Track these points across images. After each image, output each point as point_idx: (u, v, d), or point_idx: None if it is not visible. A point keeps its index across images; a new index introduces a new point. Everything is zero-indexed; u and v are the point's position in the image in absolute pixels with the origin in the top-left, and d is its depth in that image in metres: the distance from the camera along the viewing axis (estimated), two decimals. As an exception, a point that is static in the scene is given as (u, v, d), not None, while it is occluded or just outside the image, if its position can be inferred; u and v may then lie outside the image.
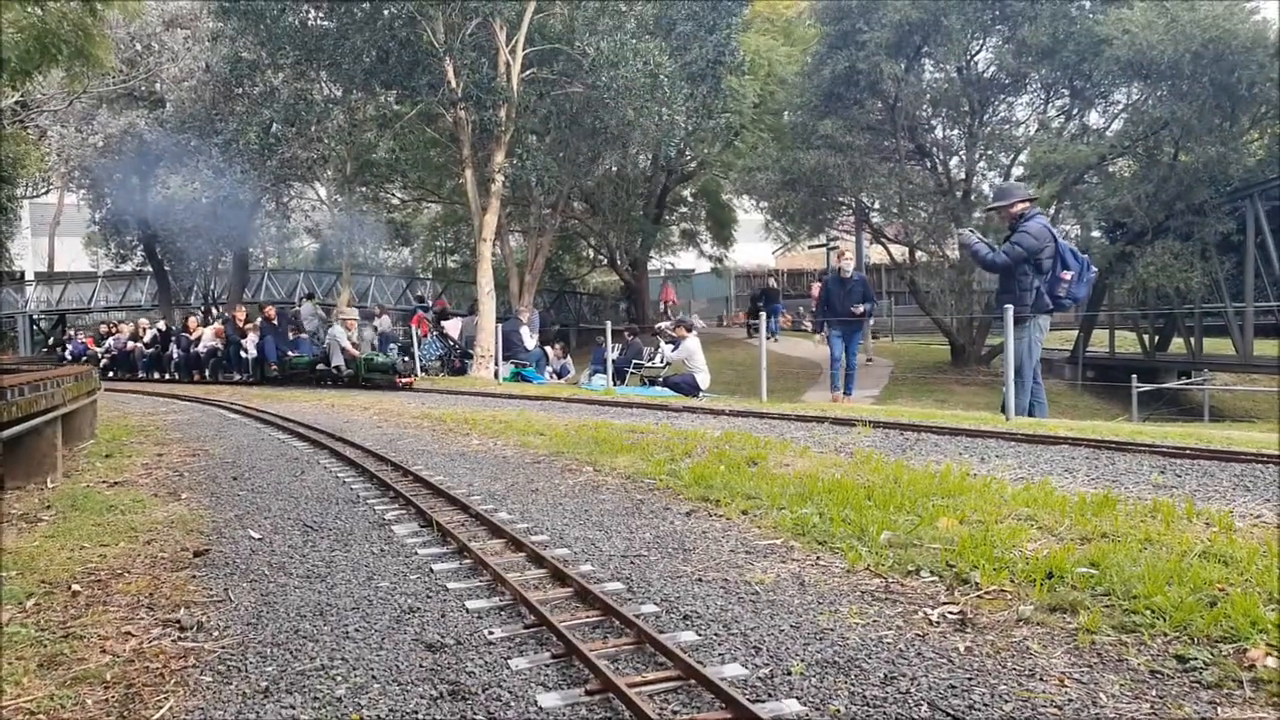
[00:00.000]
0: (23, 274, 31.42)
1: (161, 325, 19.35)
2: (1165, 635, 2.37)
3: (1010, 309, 7.23)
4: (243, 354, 16.30)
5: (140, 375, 19.39)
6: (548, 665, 2.44)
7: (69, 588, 3.14)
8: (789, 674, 2.32)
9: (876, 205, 19.02)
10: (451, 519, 4.10)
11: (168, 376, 18.69)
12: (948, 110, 17.73)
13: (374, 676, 2.39)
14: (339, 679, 2.37)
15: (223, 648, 2.59)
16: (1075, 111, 17.75)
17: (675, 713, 2.13)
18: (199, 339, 17.98)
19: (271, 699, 2.25)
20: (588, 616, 2.78)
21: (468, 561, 3.45)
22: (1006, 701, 2.10)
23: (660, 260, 31.42)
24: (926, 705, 2.10)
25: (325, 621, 2.84)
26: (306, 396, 11.92)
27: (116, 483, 5.29)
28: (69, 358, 21.27)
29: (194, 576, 3.32)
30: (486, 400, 10.34)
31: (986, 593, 2.81)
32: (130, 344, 19.77)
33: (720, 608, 2.87)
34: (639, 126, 15.59)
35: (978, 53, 17.63)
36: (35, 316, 29.90)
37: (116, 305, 29.26)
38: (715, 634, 2.64)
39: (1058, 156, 15.55)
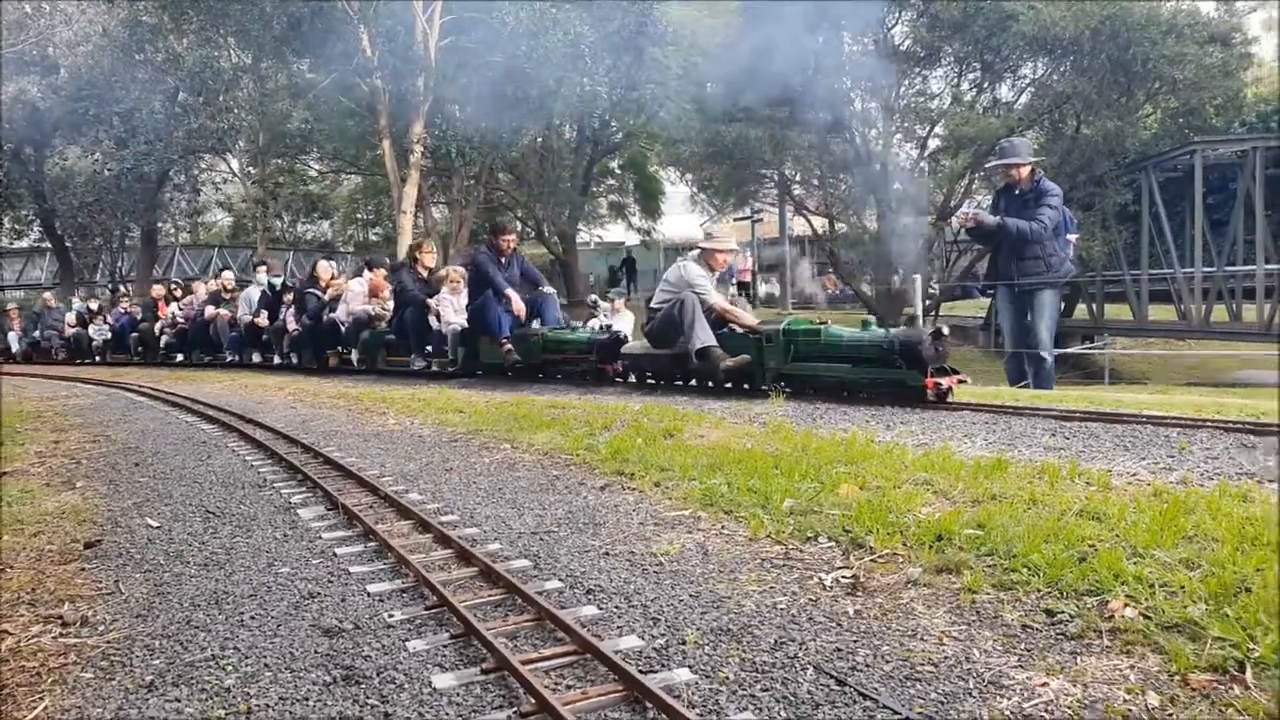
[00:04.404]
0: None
1: (271, 278, 13.06)
2: (1039, 591, 2.49)
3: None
4: (434, 323, 9.77)
5: (230, 358, 13.33)
6: (446, 646, 2.44)
7: (-55, 585, 3.00)
8: (684, 643, 2.37)
9: (798, 177, 19.26)
10: (359, 501, 4.05)
11: (277, 360, 12.34)
12: (865, 83, 17.99)
13: (266, 664, 2.35)
14: (229, 669, 2.33)
15: (107, 643, 2.52)
16: (986, 85, 18.22)
17: (569, 686, 2.16)
18: (337, 298, 11.28)
19: (156, 693, 2.20)
20: (490, 595, 2.79)
21: (373, 544, 3.41)
22: (888, 662, 2.19)
23: (589, 232, 31.28)
24: (812, 669, 2.17)
25: (220, 610, 2.78)
26: (224, 378, 11.53)
27: (4, 473, 5.05)
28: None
29: (82, 569, 3.21)
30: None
31: (879, 556, 2.91)
32: (211, 310, 13.75)
33: (624, 580, 2.90)
34: (561, 97, 15.44)
35: (894, 26, 17.91)
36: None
37: (13, 284, 27.81)
38: (616, 607, 2.67)
39: (970, 129, 15.97)
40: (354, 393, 8.42)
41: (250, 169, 22.47)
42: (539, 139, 20.63)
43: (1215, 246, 16.24)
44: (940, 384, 5.54)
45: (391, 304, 10.51)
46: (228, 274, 15.23)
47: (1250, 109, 20.72)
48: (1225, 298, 16.40)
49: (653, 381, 7.44)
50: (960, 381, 5.73)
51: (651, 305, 7.23)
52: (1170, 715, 1.85)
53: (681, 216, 32.12)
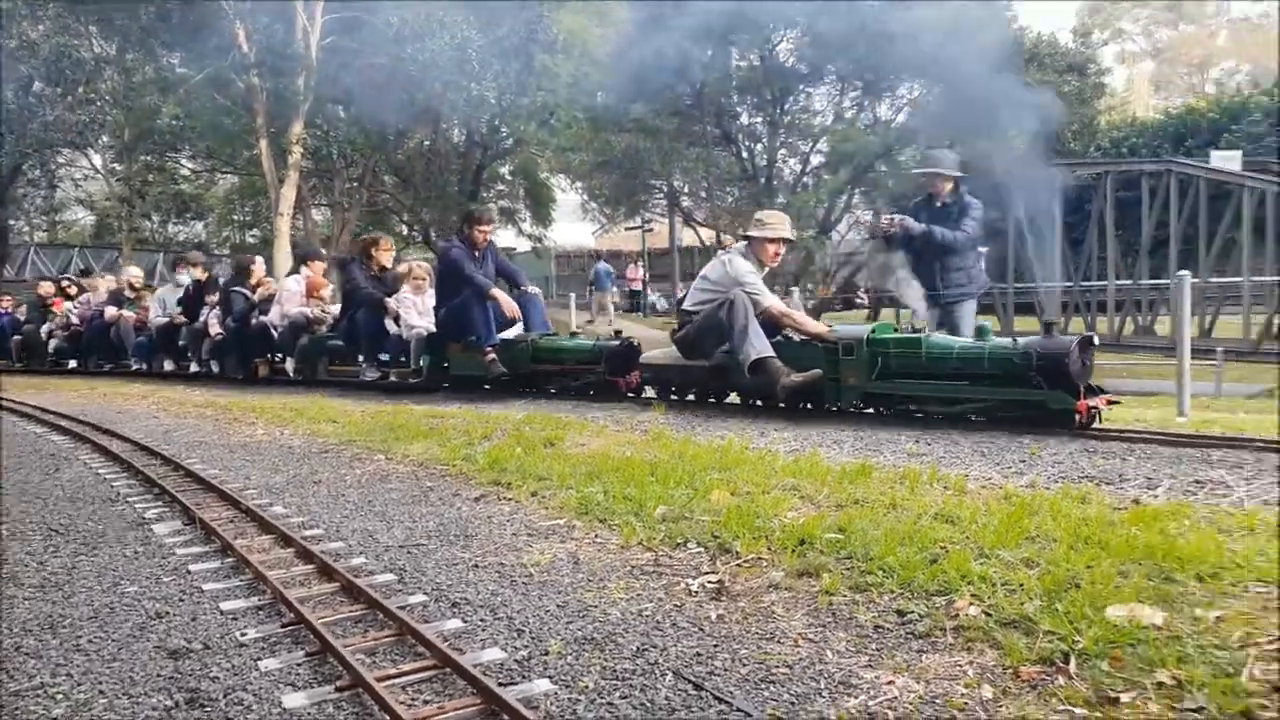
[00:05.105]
0: None
1: (192, 274, 11.18)
2: (892, 592, 2.59)
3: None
4: (391, 327, 8.34)
5: (136, 364, 11.60)
6: (300, 664, 2.35)
7: None
8: (546, 654, 2.35)
9: (686, 189, 19.58)
10: (219, 515, 3.86)
11: (194, 369, 10.70)
12: (752, 98, 18.47)
13: (101, 690, 2.21)
14: (59, 697, 2.18)
15: (-81, 674, 2.31)
16: (867, 103, 18.99)
17: (426, 702, 2.12)
18: (268, 298, 9.85)
19: (-30, 727, 2.03)
20: (351, 611, 2.70)
21: (230, 560, 3.26)
22: (745, 665, 2.24)
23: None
24: (671, 674, 2.20)
25: (55, 635, 2.60)
26: (77, 385, 10.79)
27: None
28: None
29: (-104, 595, 2.94)
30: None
31: (744, 561, 2.97)
32: (113, 311, 11.93)
33: (491, 592, 2.86)
34: (447, 101, 15.21)
35: (779, 43, 18.46)
36: None
37: None
38: (481, 619, 2.64)
39: (850, 146, 16.60)
40: (222, 402, 8.03)
41: (115, 165, 21.21)
42: (426, 142, 20.24)
43: (1073, 263, 17.44)
44: (1094, 407, 4.45)
45: (336, 306, 9.21)
46: (134, 270, 13.58)
47: (1104, 135, 22.35)
48: (1081, 311, 17.61)
49: (676, 398, 6.36)
50: (1112, 403, 4.64)
51: (685, 308, 6.17)
52: (1001, 706, 1.96)
53: (573, 224, 32.15)
